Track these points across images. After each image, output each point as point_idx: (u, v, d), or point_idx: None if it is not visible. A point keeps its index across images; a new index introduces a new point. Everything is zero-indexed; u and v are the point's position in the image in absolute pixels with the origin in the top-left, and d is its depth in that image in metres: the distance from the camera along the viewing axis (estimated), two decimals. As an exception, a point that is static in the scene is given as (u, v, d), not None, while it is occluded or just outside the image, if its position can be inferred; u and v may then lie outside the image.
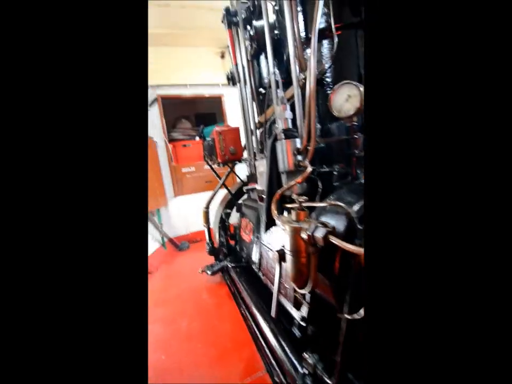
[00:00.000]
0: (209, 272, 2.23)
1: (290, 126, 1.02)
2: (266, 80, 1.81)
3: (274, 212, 0.88)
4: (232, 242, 2.38)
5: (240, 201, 2.42)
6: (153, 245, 3.25)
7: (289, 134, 0.99)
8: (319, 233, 0.65)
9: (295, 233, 0.71)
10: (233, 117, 3.96)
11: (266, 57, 1.75)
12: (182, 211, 3.82)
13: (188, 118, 4.55)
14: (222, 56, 3.86)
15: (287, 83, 1.34)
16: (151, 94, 3.60)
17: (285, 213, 0.83)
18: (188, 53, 3.71)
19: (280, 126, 1.01)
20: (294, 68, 1.08)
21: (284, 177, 1.02)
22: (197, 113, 5.17)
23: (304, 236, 0.68)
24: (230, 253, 2.28)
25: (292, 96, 1.11)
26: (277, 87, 1.09)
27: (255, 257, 1.72)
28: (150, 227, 3.41)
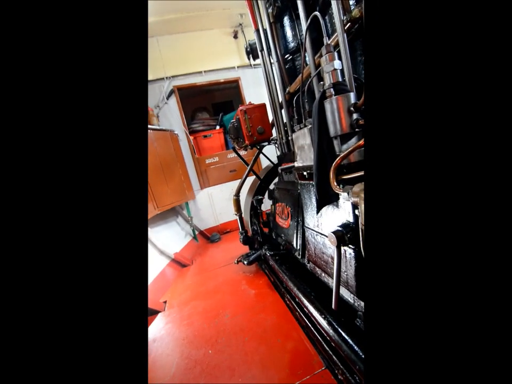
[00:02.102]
0: (245, 262, 2.13)
1: (340, 79, 0.83)
2: (292, 45, 1.60)
3: (334, 184, 0.71)
4: (265, 230, 2.25)
5: (271, 186, 2.27)
6: (185, 238, 3.25)
7: (340, 88, 0.80)
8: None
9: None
10: (252, 101, 3.75)
11: (291, 17, 1.53)
12: (209, 203, 3.77)
13: (205, 109, 4.42)
14: (235, 36, 3.64)
15: (316, 44, 1.15)
16: (167, 86, 3.51)
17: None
18: (200, 38, 3.55)
19: (328, 80, 0.82)
20: (336, 7, 0.88)
21: (336, 144, 0.84)
22: (214, 103, 5.03)
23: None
24: (265, 241, 2.15)
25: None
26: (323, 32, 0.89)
27: (296, 243, 1.57)
28: (181, 221, 3.41)
